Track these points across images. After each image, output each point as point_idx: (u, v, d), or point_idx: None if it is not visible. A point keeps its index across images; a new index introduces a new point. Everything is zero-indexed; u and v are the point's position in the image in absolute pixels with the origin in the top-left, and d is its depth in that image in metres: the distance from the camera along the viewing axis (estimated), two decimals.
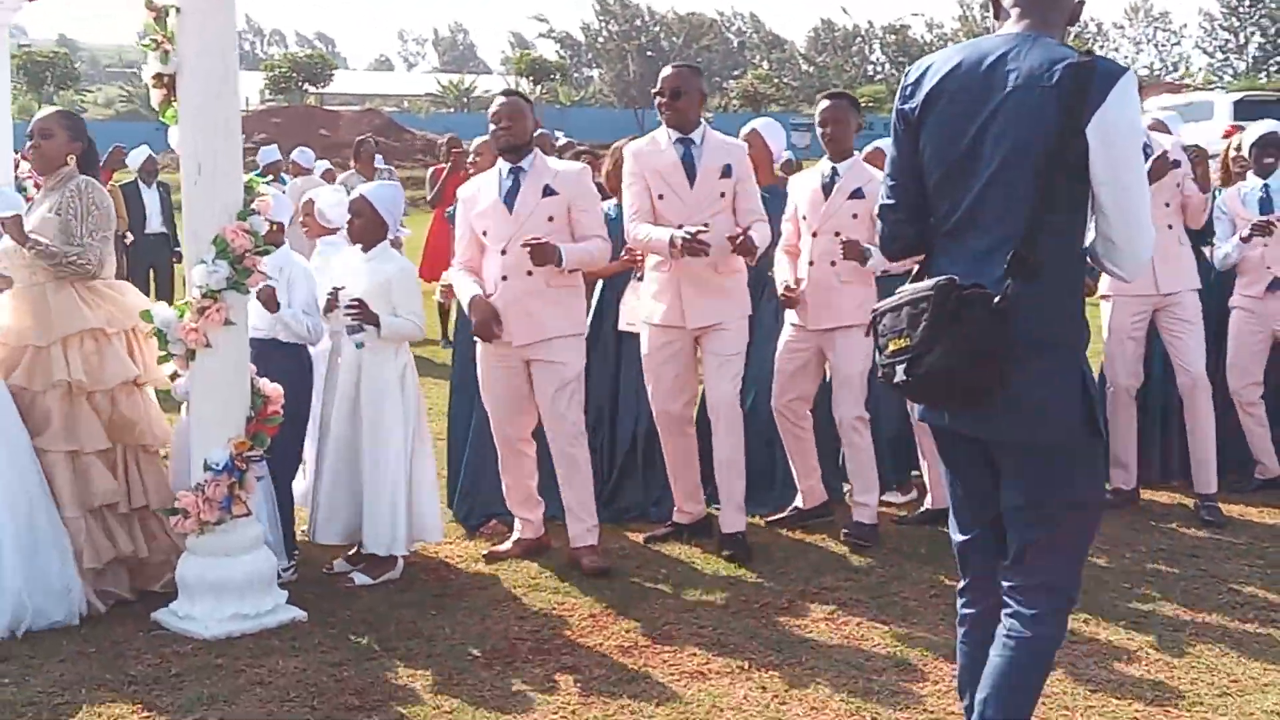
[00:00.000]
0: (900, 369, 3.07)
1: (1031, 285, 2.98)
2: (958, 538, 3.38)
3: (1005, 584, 3.21)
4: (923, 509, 6.45)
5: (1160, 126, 6.91)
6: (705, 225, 5.57)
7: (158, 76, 4.99)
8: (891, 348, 3.12)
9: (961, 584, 3.40)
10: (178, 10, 4.88)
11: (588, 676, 4.53)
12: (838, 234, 5.95)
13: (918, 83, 3.22)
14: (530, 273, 5.54)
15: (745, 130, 6.65)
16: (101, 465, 5.16)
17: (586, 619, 5.11)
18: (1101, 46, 66.33)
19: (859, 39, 79.70)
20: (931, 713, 4.19)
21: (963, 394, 3.07)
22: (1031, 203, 2.99)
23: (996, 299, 2.97)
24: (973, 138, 3.08)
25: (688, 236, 5.49)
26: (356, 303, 5.48)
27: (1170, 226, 6.43)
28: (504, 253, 5.60)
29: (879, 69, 76.50)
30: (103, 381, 5.15)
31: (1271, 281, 6.73)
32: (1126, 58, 70.26)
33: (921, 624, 5.02)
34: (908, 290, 3.12)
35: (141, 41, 4.99)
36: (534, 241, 5.42)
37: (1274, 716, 4.22)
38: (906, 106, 3.23)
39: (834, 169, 6.06)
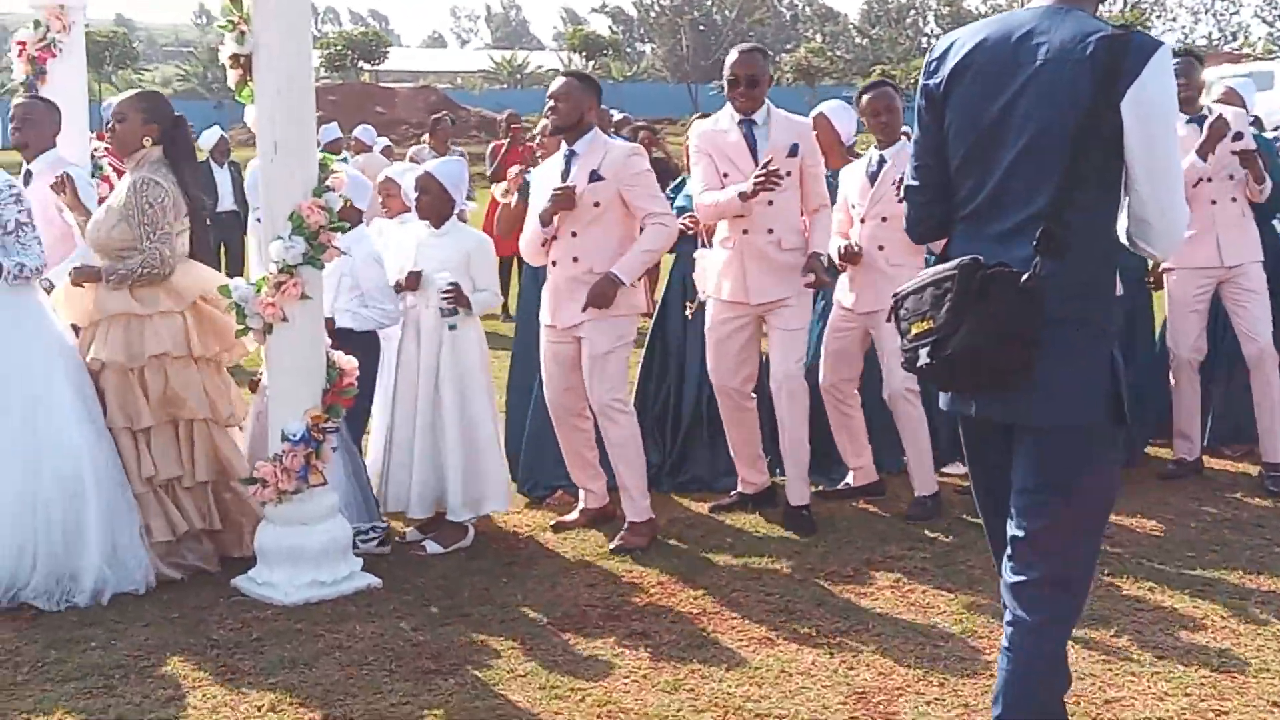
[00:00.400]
0: (924, 352, 3.00)
1: (1059, 263, 2.88)
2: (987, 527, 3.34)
3: (1010, 580, 3.08)
4: None
5: (1232, 96, 6.84)
6: (778, 179, 5.59)
7: (234, 57, 5.07)
8: (914, 331, 3.03)
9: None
10: None
11: (658, 642, 4.62)
12: (884, 219, 5.98)
13: (942, 57, 3.11)
14: (576, 259, 5.61)
15: (813, 114, 6.69)
16: (156, 441, 5.24)
17: (655, 586, 5.20)
18: (1159, 16, 65.26)
19: (913, 11, 78.81)
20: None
21: (989, 375, 2.98)
22: (1060, 179, 2.90)
23: (1024, 277, 2.89)
24: (999, 113, 2.97)
25: (759, 178, 5.53)
26: (454, 287, 5.56)
27: (1234, 199, 6.42)
28: (555, 237, 5.66)
29: (933, 41, 75.64)
30: (139, 358, 5.20)
31: None
32: (1184, 27, 69.08)
33: (987, 591, 5.05)
34: (929, 272, 3.04)
35: (218, 23, 5.08)
36: (590, 303, 5.52)
37: None
38: (931, 82, 3.13)
39: (881, 156, 6.08)
